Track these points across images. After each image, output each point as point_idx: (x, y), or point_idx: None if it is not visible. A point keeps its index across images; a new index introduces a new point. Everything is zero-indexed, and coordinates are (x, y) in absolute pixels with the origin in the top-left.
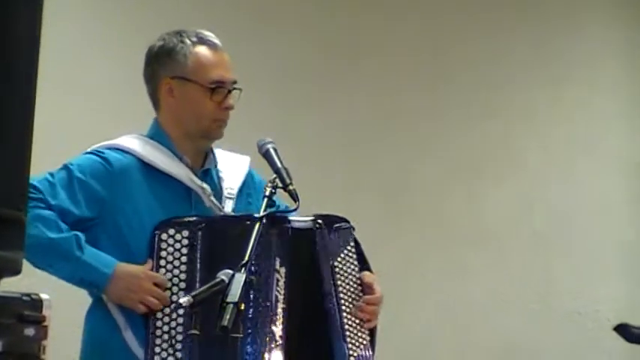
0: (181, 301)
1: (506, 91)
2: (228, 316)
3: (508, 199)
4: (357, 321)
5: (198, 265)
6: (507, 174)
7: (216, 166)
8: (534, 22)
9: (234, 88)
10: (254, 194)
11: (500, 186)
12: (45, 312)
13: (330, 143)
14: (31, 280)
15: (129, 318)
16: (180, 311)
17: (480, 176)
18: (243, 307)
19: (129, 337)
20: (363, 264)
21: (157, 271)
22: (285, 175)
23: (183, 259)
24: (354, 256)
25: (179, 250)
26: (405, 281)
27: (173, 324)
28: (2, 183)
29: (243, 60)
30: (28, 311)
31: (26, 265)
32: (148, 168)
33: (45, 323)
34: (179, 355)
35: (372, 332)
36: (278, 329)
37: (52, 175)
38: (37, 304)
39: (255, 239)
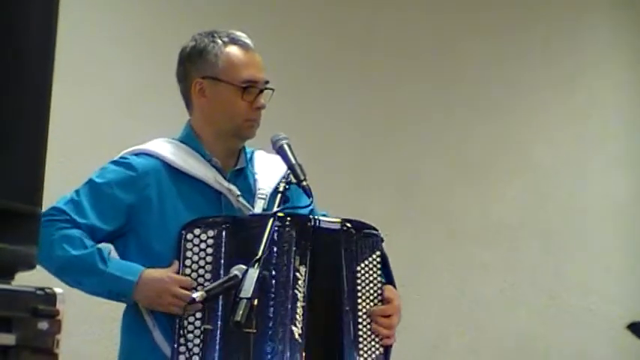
0: (195, 295)
1: (517, 87)
2: (241, 312)
3: (519, 196)
4: (372, 330)
5: (223, 264)
6: (518, 171)
7: (250, 166)
8: (545, 21)
9: (267, 88)
10: (291, 195)
11: (511, 183)
12: (59, 306)
13: (340, 140)
14: (44, 274)
15: (156, 318)
16: (198, 307)
17: (491, 173)
18: (257, 303)
19: (157, 336)
20: (388, 277)
21: (183, 271)
22: (299, 170)
23: (209, 258)
24: (379, 265)
25: (204, 249)
26: (415, 278)
27: (190, 319)
28: (17, 177)
29: None
30: (42, 305)
31: None
32: (174, 171)
33: (59, 317)
34: (195, 350)
35: (386, 348)
36: (297, 329)
37: (77, 193)
38: (50, 298)
39: (268, 235)
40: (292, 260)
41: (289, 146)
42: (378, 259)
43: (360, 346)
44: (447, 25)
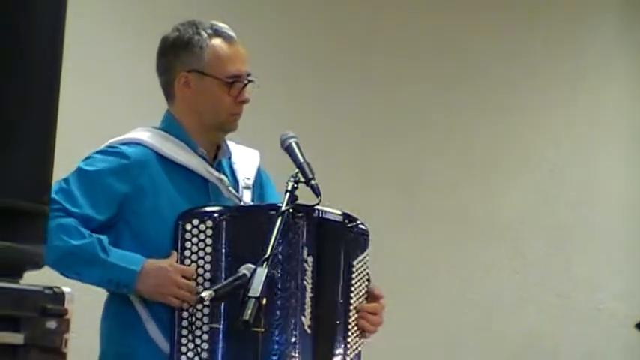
0: (203, 295)
1: (520, 86)
2: (249, 311)
3: (526, 194)
4: (358, 326)
5: (224, 255)
6: (524, 169)
7: (230, 158)
8: (547, 20)
9: (250, 81)
10: (265, 187)
11: (517, 181)
12: (67, 305)
13: (341, 139)
14: (52, 272)
15: (152, 309)
16: (203, 305)
17: (496, 171)
18: (265, 302)
19: (152, 328)
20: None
21: (182, 262)
22: (307, 169)
23: (208, 249)
24: (368, 263)
25: (203, 240)
26: (421, 277)
27: (198, 316)
28: (25, 176)
29: (253, 54)
30: (51, 304)
31: None
32: (164, 161)
33: (67, 316)
34: (204, 346)
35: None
36: (306, 319)
37: (66, 181)
38: (59, 297)
39: (277, 233)
40: (301, 250)
41: (297, 145)
42: (368, 258)
43: (349, 339)
44: (448, 24)
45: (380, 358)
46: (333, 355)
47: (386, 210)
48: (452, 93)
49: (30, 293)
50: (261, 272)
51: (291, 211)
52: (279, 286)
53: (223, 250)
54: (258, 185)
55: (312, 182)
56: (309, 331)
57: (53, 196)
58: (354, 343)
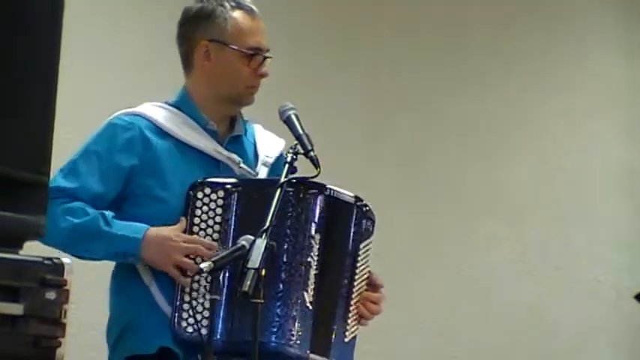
0: (202, 266)
1: (525, 62)
2: (248, 282)
3: (527, 168)
4: (357, 311)
5: (233, 226)
6: (526, 144)
7: (246, 134)
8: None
9: (269, 57)
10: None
11: (519, 155)
12: (67, 276)
13: (348, 114)
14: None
15: (154, 273)
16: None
17: (499, 146)
18: (267, 274)
19: (156, 294)
20: None
21: (191, 230)
22: (306, 141)
23: (218, 219)
24: (369, 256)
25: (214, 209)
26: (424, 252)
27: (195, 287)
28: (25, 147)
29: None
30: (50, 275)
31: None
32: (170, 137)
33: (66, 287)
34: (205, 314)
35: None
36: (309, 295)
37: (74, 163)
38: (58, 267)
39: (276, 205)
40: (309, 227)
41: (297, 116)
42: (371, 244)
43: (348, 321)
44: (455, 7)
45: (378, 332)
46: (332, 334)
47: (388, 185)
48: (458, 69)
49: (29, 264)
50: (260, 244)
51: (302, 187)
52: (285, 259)
53: (233, 221)
54: (277, 168)
55: (312, 154)
56: (310, 307)
57: (61, 184)
58: (353, 327)
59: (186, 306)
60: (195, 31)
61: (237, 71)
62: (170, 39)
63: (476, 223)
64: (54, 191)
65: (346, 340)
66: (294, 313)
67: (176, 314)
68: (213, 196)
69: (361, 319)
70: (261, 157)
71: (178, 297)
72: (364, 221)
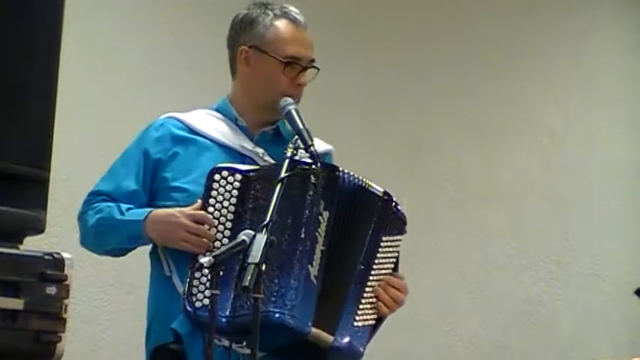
0: (202, 261)
1: (525, 53)
2: (249, 277)
3: (527, 160)
4: (374, 300)
5: (249, 209)
6: (526, 135)
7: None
8: None
9: (312, 67)
10: None
11: (518, 147)
12: (67, 271)
13: (349, 102)
14: (52, 239)
15: (174, 263)
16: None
17: (498, 137)
18: (265, 267)
19: (176, 282)
20: (395, 269)
21: (205, 209)
22: (306, 135)
23: (233, 200)
24: (398, 250)
25: (230, 191)
26: (422, 242)
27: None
28: (25, 142)
29: None
30: (50, 270)
31: (49, 224)
32: (198, 135)
33: (67, 282)
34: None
35: (376, 323)
36: (313, 269)
37: (112, 166)
38: (59, 263)
39: (276, 199)
40: (317, 203)
41: (297, 111)
42: (397, 247)
43: (361, 306)
44: None
45: None
46: (339, 313)
47: (390, 172)
48: (460, 56)
49: (30, 259)
50: (261, 238)
51: (313, 168)
52: (289, 232)
53: (250, 204)
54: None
55: (311, 149)
56: (315, 281)
57: (98, 188)
58: (365, 313)
59: (194, 287)
60: (239, 37)
61: (272, 79)
62: (170, 39)
63: (475, 216)
64: (91, 196)
65: (355, 324)
66: (296, 283)
67: (188, 292)
68: (231, 179)
69: (382, 306)
70: (299, 157)
71: (189, 276)
72: (390, 216)
